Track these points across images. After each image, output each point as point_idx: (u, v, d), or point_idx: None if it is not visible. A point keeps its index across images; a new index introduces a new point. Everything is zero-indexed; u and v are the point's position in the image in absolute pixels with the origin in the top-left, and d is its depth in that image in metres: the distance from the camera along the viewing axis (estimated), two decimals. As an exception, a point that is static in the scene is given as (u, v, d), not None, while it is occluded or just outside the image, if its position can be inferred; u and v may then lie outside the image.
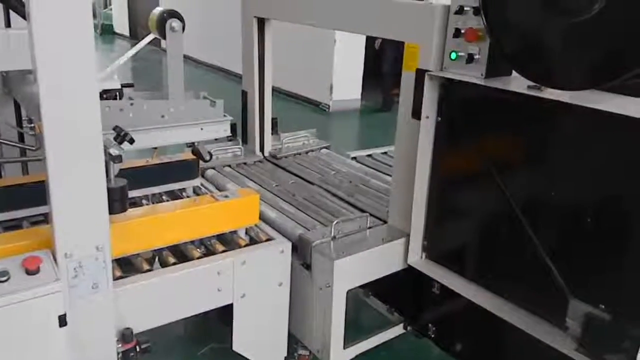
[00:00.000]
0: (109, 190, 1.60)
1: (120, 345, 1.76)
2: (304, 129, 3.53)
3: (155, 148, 2.24)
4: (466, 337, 2.11)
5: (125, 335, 1.77)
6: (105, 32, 14.84)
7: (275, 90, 3.31)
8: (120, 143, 1.72)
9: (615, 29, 1.49)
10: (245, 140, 3.25)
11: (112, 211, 1.63)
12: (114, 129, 1.75)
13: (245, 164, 3.11)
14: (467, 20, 1.92)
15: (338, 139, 6.29)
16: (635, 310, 1.52)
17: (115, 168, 1.67)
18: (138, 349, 1.80)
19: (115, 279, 1.76)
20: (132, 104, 2.05)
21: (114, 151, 1.62)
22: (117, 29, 14.85)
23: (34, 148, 2.07)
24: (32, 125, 2.03)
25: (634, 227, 1.55)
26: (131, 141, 1.76)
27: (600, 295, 1.63)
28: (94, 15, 14.73)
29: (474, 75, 1.92)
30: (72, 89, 1.44)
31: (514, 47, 1.75)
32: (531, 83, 1.71)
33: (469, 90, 1.91)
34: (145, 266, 1.90)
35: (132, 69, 9.50)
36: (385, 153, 3.39)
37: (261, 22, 3.00)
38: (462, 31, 1.94)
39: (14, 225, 2.06)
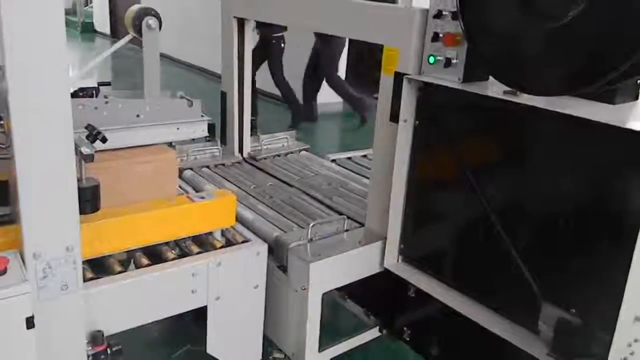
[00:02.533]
0: (80, 189, 1.57)
1: (90, 347, 1.73)
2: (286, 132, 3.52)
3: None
4: (441, 340, 2.11)
5: (95, 338, 1.74)
6: (86, 30, 14.61)
7: (258, 92, 3.29)
8: (93, 142, 1.69)
9: (592, 35, 1.50)
10: (224, 141, 3.22)
11: (83, 211, 1.60)
12: (86, 128, 1.73)
13: (223, 165, 3.08)
14: (445, 25, 1.93)
15: (320, 141, 6.30)
16: (605, 315, 1.53)
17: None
18: (109, 352, 1.76)
19: (87, 280, 1.73)
20: (107, 102, 2.03)
21: (85, 150, 1.59)
22: (97, 27, 14.63)
23: (3, 146, 2.02)
24: (2, 122, 1.99)
25: (604, 233, 1.56)
26: (103, 140, 1.73)
27: (572, 299, 1.64)
28: (75, 13, 14.57)
29: (451, 79, 1.92)
30: (42, 85, 1.40)
31: (491, 52, 1.76)
32: (507, 88, 1.72)
33: (447, 94, 1.91)
34: (118, 268, 1.87)
35: (112, 68, 9.40)
36: (365, 156, 3.38)
37: (241, 23, 2.98)
38: (441, 35, 1.94)
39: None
